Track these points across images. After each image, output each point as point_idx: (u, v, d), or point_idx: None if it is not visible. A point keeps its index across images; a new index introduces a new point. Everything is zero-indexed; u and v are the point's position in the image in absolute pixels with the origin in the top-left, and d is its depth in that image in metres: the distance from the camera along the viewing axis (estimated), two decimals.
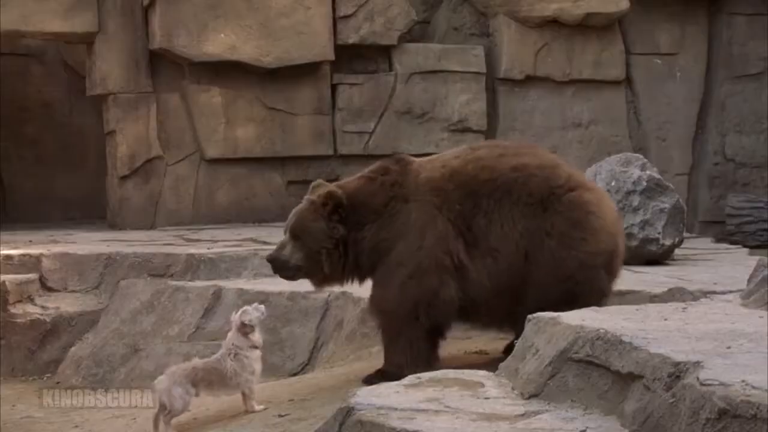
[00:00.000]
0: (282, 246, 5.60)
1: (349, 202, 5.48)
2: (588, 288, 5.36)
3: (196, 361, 5.72)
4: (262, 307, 5.73)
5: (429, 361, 5.39)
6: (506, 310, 5.41)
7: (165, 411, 5.50)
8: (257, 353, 5.65)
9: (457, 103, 12.61)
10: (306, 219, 5.54)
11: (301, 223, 5.55)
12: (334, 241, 5.49)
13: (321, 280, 5.72)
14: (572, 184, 5.50)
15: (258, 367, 5.65)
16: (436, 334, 5.58)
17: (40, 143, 13.28)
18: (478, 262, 5.38)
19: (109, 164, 11.99)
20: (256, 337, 5.65)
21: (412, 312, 5.38)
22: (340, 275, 5.64)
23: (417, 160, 5.70)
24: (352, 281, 5.79)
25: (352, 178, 5.77)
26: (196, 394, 5.57)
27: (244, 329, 5.59)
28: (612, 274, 5.59)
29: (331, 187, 5.61)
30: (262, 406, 5.56)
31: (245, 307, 5.74)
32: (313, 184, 5.78)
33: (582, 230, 5.38)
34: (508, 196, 5.38)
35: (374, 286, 5.63)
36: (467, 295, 5.42)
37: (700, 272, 7.67)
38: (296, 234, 5.54)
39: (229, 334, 5.68)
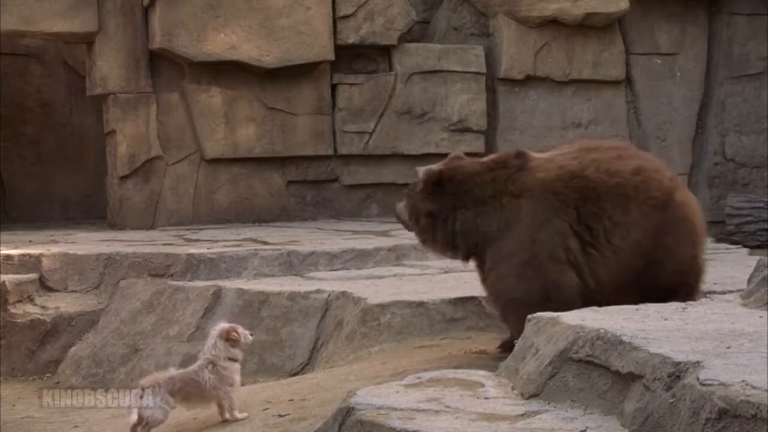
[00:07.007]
0: (401, 201, 6.02)
1: (450, 183, 5.69)
2: (696, 281, 5.70)
3: (173, 371, 5.58)
4: (251, 337, 5.67)
5: None
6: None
7: (142, 423, 5.30)
8: (236, 365, 5.52)
9: (457, 103, 12.61)
10: (412, 189, 5.89)
11: (409, 189, 5.95)
12: (424, 214, 5.75)
13: (423, 241, 6.01)
14: (676, 183, 5.77)
15: (237, 378, 5.52)
16: None
17: (40, 143, 13.26)
18: (597, 259, 5.50)
19: (109, 164, 11.98)
20: (238, 349, 5.54)
21: (538, 301, 5.39)
22: (432, 244, 5.91)
23: (537, 157, 5.76)
24: (451, 257, 5.98)
25: (476, 160, 5.93)
26: (173, 406, 5.38)
27: (233, 338, 5.46)
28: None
29: (437, 165, 5.83)
30: (245, 414, 5.42)
31: (234, 324, 5.64)
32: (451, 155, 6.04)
33: (692, 227, 5.66)
34: (632, 199, 5.52)
35: (489, 276, 5.72)
36: (587, 289, 5.53)
37: None
38: (406, 196, 5.93)
39: (207, 344, 5.51)
